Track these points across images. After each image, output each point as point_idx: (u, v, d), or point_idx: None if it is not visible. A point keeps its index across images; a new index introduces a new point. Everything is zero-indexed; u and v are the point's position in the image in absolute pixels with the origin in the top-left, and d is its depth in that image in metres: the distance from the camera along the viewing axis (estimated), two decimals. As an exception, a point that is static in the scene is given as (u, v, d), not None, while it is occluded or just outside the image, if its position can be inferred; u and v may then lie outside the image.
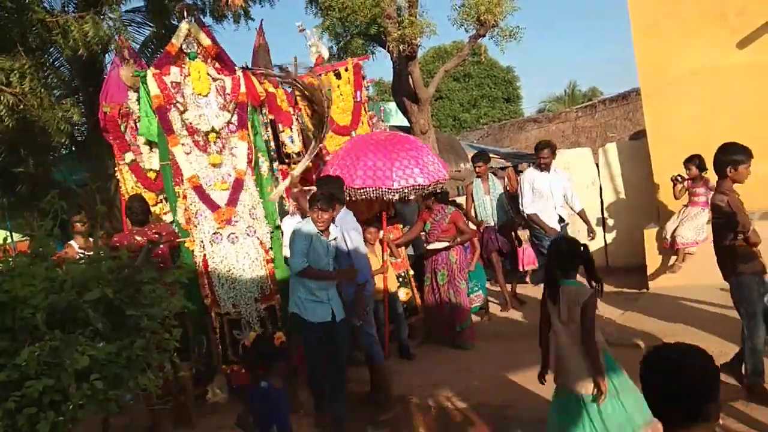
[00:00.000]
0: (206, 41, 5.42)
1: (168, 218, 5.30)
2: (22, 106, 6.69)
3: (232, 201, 5.15)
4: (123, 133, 5.53)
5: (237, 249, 5.06)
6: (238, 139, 5.35)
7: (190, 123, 5.18)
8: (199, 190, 5.07)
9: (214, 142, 5.23)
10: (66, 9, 8.32)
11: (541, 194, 6.38)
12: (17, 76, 6.60)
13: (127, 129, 5.51)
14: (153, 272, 2.64)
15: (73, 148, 9.66)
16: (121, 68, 5.49)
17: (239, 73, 5.49)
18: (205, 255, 4.98)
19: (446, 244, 5.84)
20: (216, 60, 5.49)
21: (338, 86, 5.99)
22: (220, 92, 5.34)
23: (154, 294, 2.56)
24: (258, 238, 5.17)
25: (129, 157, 5.50)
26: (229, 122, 5.33)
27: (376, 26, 9.70)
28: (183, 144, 5.13)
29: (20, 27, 6.90)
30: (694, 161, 6.32)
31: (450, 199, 7.39)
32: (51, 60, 9.14)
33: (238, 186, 5.22)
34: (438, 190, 5.78)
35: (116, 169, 5.59)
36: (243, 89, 5.44)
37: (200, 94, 5.25)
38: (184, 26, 5.35)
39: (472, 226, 6.57)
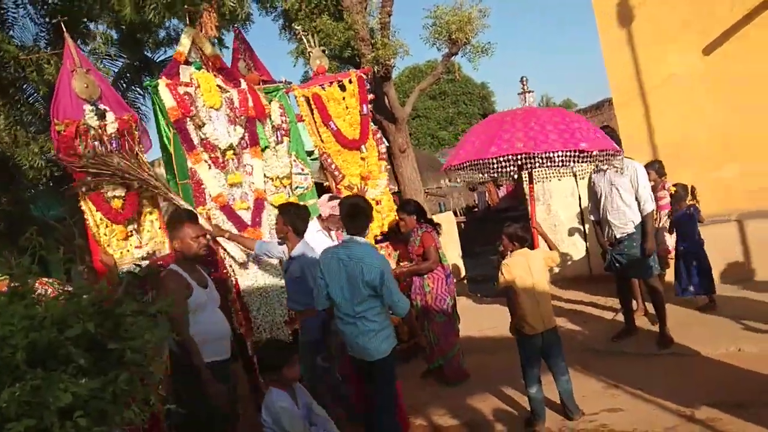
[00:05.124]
0: (209, 50, 5.04)
1: (140, 252, 4.52)
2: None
3: (256, 222, 4.89)
4: (82, 155, 4.44)
5: (263, 271, 4.82)
6: (251, 156, 5.06)
7: (207, 139, 4.81)
8: (227, 209, 4.79)
9: (231, 159, 4.92)
10: (37, 43, 8.28)
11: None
12: (-9, 114, 6.55)
13: (86, 149, 4.46)
14: (134, 304, 2.60)
15: (51, 184, 9.55)
16: (74, 78, 4.58)
17: (244, 85, 5.18)
18: (236, 280, 4.68)
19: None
20: (219, 72, 5.09)
21: (344, 98, 5.70)
22: (229, 106, 5.01)
23: (135, 327, 2.52)
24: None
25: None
26: (241, 138, 5.02)
27: (350, 49, 9.76)
28: (204, 161, 4.80)
29: (-7, 65, 6.87)
30: (654, 166, 6.34)
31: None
32: (25, 96, 9.08)
33: (259, 206, 4.97)
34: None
35: (79, 199, 4.52)
36: (251, 103, 5.12)
37: (212, 107, 4.88)
38: (189, 31, 4.94)
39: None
